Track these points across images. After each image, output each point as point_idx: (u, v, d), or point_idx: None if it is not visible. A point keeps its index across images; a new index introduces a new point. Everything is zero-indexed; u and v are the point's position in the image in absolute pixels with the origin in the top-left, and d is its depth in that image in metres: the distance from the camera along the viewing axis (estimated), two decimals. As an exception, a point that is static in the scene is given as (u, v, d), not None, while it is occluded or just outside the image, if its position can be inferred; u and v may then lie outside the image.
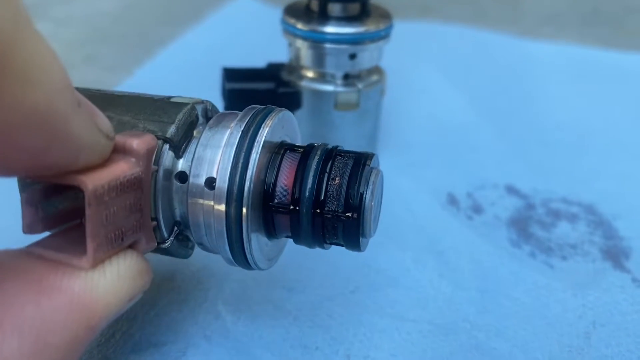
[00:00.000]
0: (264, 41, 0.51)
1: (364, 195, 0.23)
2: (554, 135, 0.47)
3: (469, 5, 0.79)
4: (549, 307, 0.31)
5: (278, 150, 0.24)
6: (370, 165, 0.23)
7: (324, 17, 0.35)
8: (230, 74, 0.38)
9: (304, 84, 0.37)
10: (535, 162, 0.44)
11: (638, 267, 0.34)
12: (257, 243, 0.23)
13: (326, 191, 0.23)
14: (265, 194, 0.23)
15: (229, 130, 0.23)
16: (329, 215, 0.23)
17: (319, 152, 0.23)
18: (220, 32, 0.63)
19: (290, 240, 0.25)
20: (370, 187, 0.23)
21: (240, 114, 0.23)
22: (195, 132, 0.24)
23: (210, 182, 0.22)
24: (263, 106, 0.24)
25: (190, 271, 0.31)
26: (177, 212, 0.23)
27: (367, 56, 0.36)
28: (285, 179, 0.23)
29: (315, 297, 0.31)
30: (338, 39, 0.35)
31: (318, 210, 0.23)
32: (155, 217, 0.23)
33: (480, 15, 0.75)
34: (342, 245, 0.24)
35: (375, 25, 0.35)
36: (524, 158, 0.44)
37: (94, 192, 0.18)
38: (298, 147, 0.24)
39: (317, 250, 0.33)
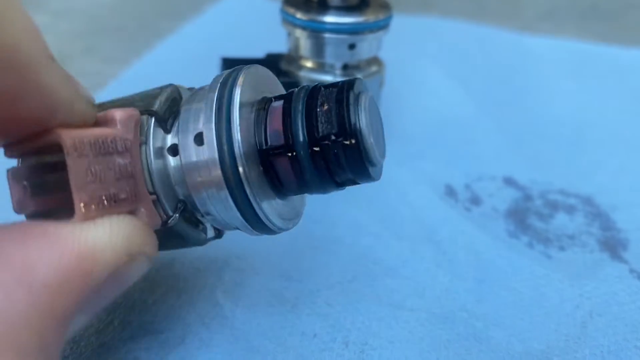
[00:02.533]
0: (263, 31, 0.50)
1: (358, 116, 0.21)
2: (552, 129, 0.47)
3: (469, 0, 0.79)
4: (546, 297, 0.31)
5: (261, 106, 0.23)
6: (357, 90, 0.22)
7: (323, 6, 0.35)
8: (229, 64, 0.38)
9: (302, 74, 0.37)
10: (533, 154, 0.44)
11: (635, 258, 0.34)
12: (267, 202, 0.22)
13: (317, 120, 0.21)
14: (259, 147, 0.22)
15: (206, 93, 0.22)
16: (326, 143, 0.21)
17: (302, 92, 0.22)
18: (220, 22, 0.63)
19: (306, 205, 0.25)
20: (361, 106, 0.21)
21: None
22: (180, 108, 0.23)
23: (200, 138, 0.21)
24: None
25: (188, 259, 0.31)
26: (179, 191, 0.23)
27: (366, 46, 0.36)
28: (274, 126, 0.22)
29: (314, 285, 0.31)
30: (337, 29, 0.35)
31: (316, 147, 0.22)
32: (154, 191, 0.22)
33: (480, 10, 0.75)
34: (354, 181, 0.23)
35: (374, 16, 0.35)
36: (522, 150, 0.44)
37: (71, 143, 0.18)
38: (280, 96, 0.23)
39: (315, 240, 0.34)
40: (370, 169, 0.22)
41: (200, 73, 0.48)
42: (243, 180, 0.21)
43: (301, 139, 0.22)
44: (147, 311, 0.28)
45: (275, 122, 0.22)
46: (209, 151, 0.21)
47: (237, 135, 0.21)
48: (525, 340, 0.28)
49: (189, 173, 0.22)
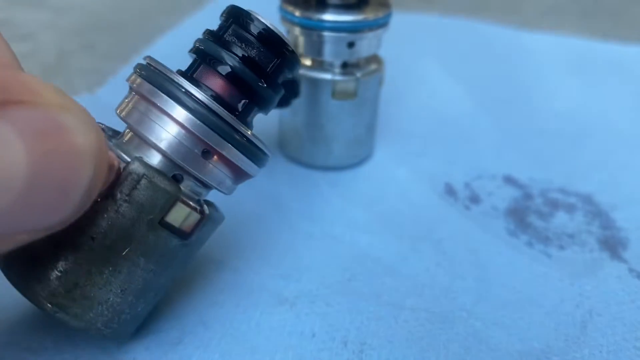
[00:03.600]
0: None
1: (263, 22, 0.25)
2: (553, 126, 0.47)
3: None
4: (545, 297, 0.31)
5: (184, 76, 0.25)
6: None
7: (322, 4, 0.35)
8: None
9: (301, 72, 0.37)
10: (533, 152, 0.44)
11: (635, 258, 0.34)
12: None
13: (245, 50, 0.25)
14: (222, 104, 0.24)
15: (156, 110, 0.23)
16: (228, 27, 0.25)
17: (209, 43, 0.25)
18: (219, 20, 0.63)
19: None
20: (258, 16, 0.25)
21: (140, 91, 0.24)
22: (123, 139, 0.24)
23: (205, 151, 0.23)
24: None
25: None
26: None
27: (365, 45, 0.36)
28: (213, 82, 0.25)
29: (313, 285, 0.31)
30: (336, 27, 0.35)
31: (255, 70, 0.25)
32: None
33: (481, 7, 0.75)
34: (280, 65, 0.26)
35: (374, 14, 0.35)
36: (522, 148, 0.44)
37: None
38: (190, 67, 0.26)
39: (314, 239, 0.34)
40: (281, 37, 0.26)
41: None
42: (227, 119, 0.23)
43: (240, 68, 0.24)
44: (145, 311, 0.28)
45: (212, 80, 0.25)
46: (175, 111, 0.23)
47: (199, 95, 0.23)
48: (525, 340, 0.28)
49: (192, 165, 0.23)
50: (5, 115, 0.15)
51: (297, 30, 0.36)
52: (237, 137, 0.23)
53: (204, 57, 0.25)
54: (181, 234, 0.24)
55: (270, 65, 0.25)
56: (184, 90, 0.23)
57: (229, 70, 0.24)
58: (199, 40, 0.26)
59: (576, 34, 0.64)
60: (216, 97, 0.24)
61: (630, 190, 0.40)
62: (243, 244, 0.33)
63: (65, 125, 0.16)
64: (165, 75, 0.23)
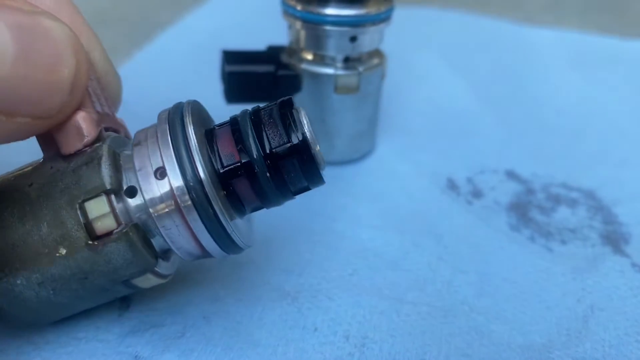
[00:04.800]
0: (264, 23, 0.50)
1: (303, 127, 0.23)
2: (555, 121, 0.47)
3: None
4: (547, 291, 0.31)
5: (208, 137, 0.24)
6: (294, 105, 0.24)
7: (324, -2, 0.35)
8: (230, 57, 0.37)
9: (303, 66, 0.37)
10: (535, 147, 0.44)
11: (637, 252, 0.34)
12: (233, 221, 0.23)
13: (267, 136, 0.23)
14: (218, 172, 0.23)
15: (154, 135, 0.23)
16: (280, 154, 0.23)
17: (245, 115, 0.24)
18: (221, 13, 0.63)
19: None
20: (304, 119, 0.24)
21: (157, 122, 0.24)
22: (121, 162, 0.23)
23: (161, 172, 0.22)
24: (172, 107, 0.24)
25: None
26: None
27: (367, 39, 0.36)
28: (226, 149, 0.23)
29: (314, 279, 0.31)
30: (338, 21, 0.35)
31: (270, 161, 0.23)
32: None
33: (482, 1, 0.75)
34: (306, 187, 0.25)
35: (376, 8, 0.35)
36: (524, 143, 0.44)
37: None
38: (220, 124, 0.25)
39: (315, 234, 0.34)
40: (322, 173, 0.24)
41: (202, 64, 0.48)
42: (212, 201, 0.22)
43: (255, 155, 0.23)
44: (147, 305, 0.28)
45: (226, 146, 0.23)
46: (174, 181, 0.22)
47: (198, 162, 0.22)
48: (527, 334, 0.28)
49: (152, 204, 0.22)
50: None
51: (298, 24, 0.36)
52: (209, 209, 0.22)
53: (236, 130, 0.24)
54: (90, 230, 0.22)
55: (289, 170, 0.24)
56: (186, 145, 0.22)
57: (247, 158, 0.23)
58: (242, 113, 0.24)
59: (577, 29, 0.64)
60: (220, 166, 0.23)
61: (632, 185, 0.40)
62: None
63: (42, 21, 0.20)
64: (182, 123, 0.23)
